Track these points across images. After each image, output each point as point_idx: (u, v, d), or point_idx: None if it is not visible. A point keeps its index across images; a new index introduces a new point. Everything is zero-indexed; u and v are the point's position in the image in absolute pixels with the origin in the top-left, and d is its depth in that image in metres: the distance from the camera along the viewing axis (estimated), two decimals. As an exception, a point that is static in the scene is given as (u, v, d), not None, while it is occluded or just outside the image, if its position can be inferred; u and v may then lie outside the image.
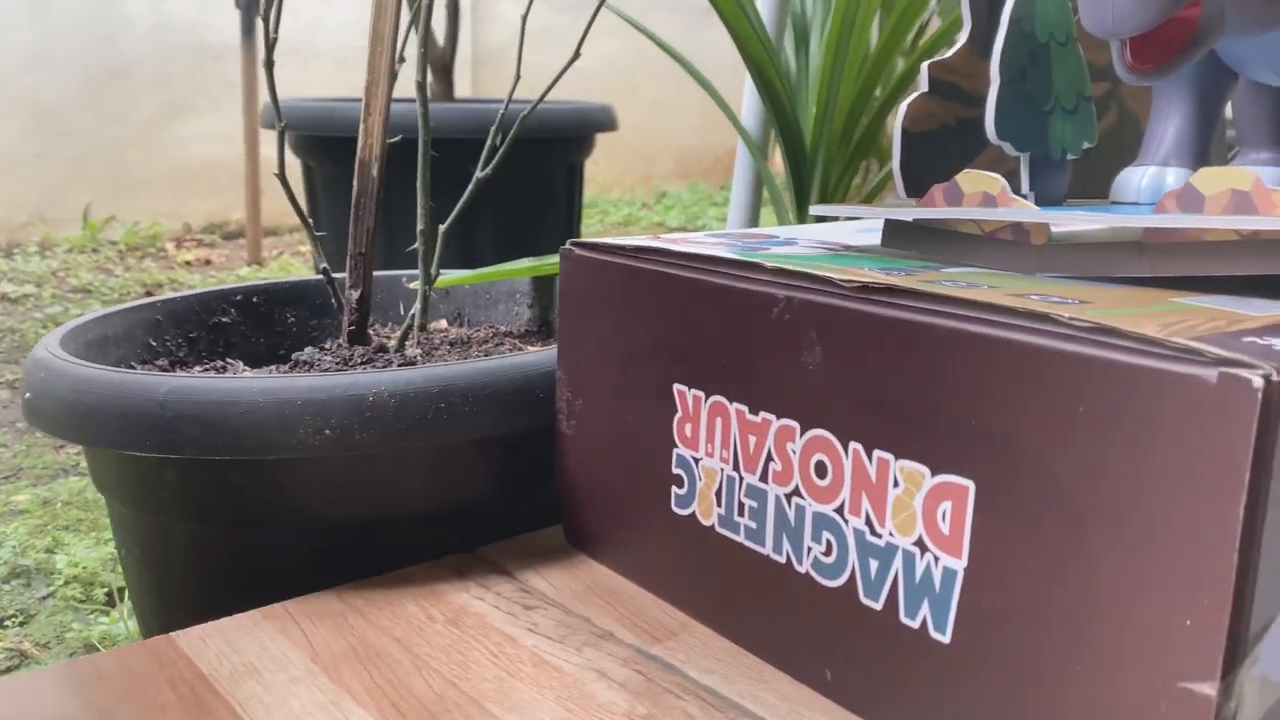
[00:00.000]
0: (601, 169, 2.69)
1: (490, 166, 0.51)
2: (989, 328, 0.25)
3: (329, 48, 2.08)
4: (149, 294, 1.68)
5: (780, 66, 0.62)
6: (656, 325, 0.35)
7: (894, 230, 0.35)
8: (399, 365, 0.45)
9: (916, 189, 0.36)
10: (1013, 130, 0.34)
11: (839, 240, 0.39)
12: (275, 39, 0.49)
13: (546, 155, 1.24)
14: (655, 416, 0.35)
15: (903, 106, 0.36)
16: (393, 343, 0.51)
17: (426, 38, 0.47)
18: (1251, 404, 0.20)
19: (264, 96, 1.84)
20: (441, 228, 0.52)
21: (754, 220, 0.77)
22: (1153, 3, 0.27)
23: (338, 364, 0.46)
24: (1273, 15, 0.28)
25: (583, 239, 0.38)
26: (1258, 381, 0.20)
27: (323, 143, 1.20)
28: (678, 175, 2.95)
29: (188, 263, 1.95)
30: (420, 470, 0.39)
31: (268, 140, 1.80)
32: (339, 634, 0.35)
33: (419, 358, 0.46)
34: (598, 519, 0.39)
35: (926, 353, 0.26)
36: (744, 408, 0.32)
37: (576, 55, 0.50)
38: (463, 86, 2.35)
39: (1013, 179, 0.36)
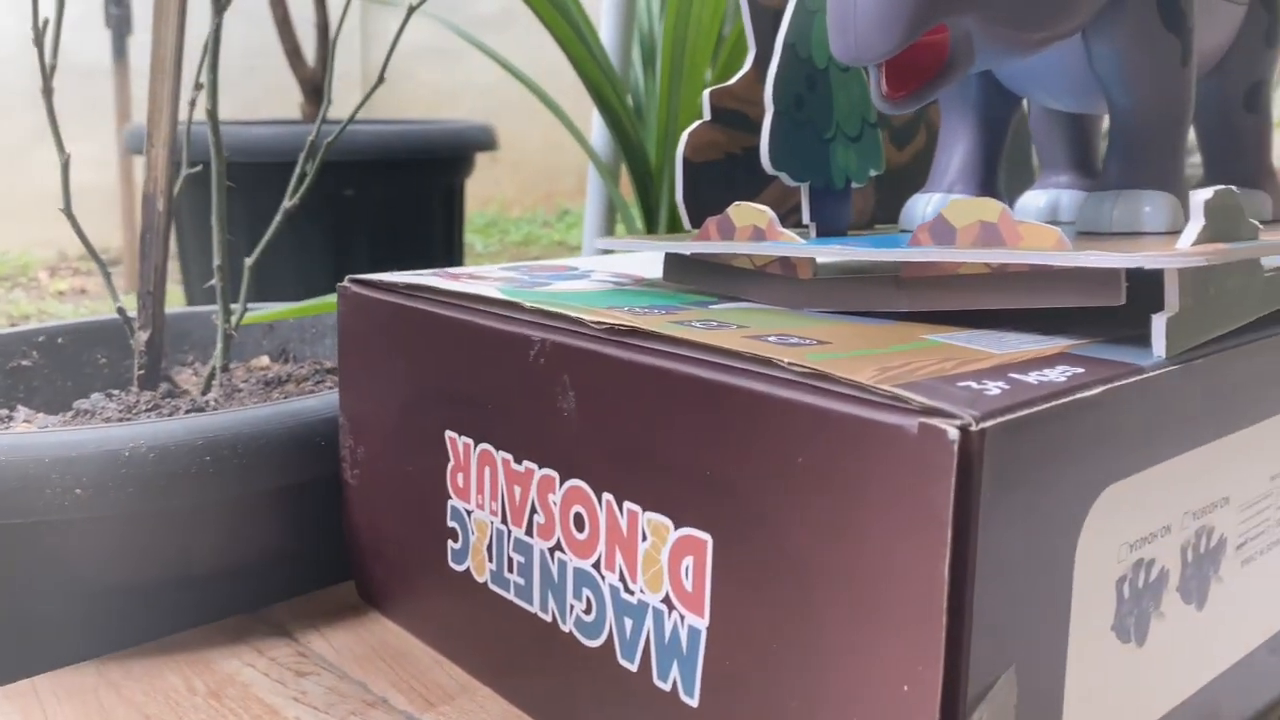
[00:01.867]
0: (503, 187, 2.66)
1: (298, 196, 0.48)
2: (716, 372, 0.24)
3: (209, 68, 2.01)
4: (13, 326, 1.60)
5: (619, 86, 0.60)
6: (428, 368, 0.33)
7: (674, 264, 0.34)
8: (186, 412, 0.42)
9: (701, 221, 0.35)
10: (790, 160, 0.33)
11: (634, 273, 0.38)
12: (54, 65, 0.46)
13: (424, 176, 1.21)
14: (430, 465, 0.33)
15: (684, 136, 0.34)
16: (198, 385, 0.48)
17: (216, 63, 0.45)
18: (949, 456, 0.19)
19: (136, 119, 1.77)
20: (248, 261, 0.49)
21: (608, 244, 0.76)
22: (893, 29, 0.26)
23: (122, 412, 0.42)
24: (1021, 40, 0.28)
25: (361, 275, 0.36)
26: (953, 433, 0.19)
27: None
28: (581, 192, 2.93)
29: (61, 292, 1.86)
30: (191, 528, 0.37)
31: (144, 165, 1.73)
32: (84, 713, 0.32)
33: (211, 403, 0.44)
34: (385, 574, 0.37)
35: (664, 399, 0.25)
36: (509, 457, 0.30)
37: (381, 80, 0.48)
38: (352, 105, 2.30)
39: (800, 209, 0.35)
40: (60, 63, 0.46)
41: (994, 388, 0.21)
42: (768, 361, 0.23)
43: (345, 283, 0.36)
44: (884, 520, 0.20)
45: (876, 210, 0.41)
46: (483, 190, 2.61)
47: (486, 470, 0.31)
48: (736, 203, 0.32)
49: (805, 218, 0.34)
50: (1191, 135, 0.38)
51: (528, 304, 0.29)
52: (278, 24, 1.25)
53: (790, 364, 0.22)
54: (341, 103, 0.59)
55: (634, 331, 0.26)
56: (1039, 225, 0.25)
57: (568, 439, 0.28)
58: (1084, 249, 0.25)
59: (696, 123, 0.35)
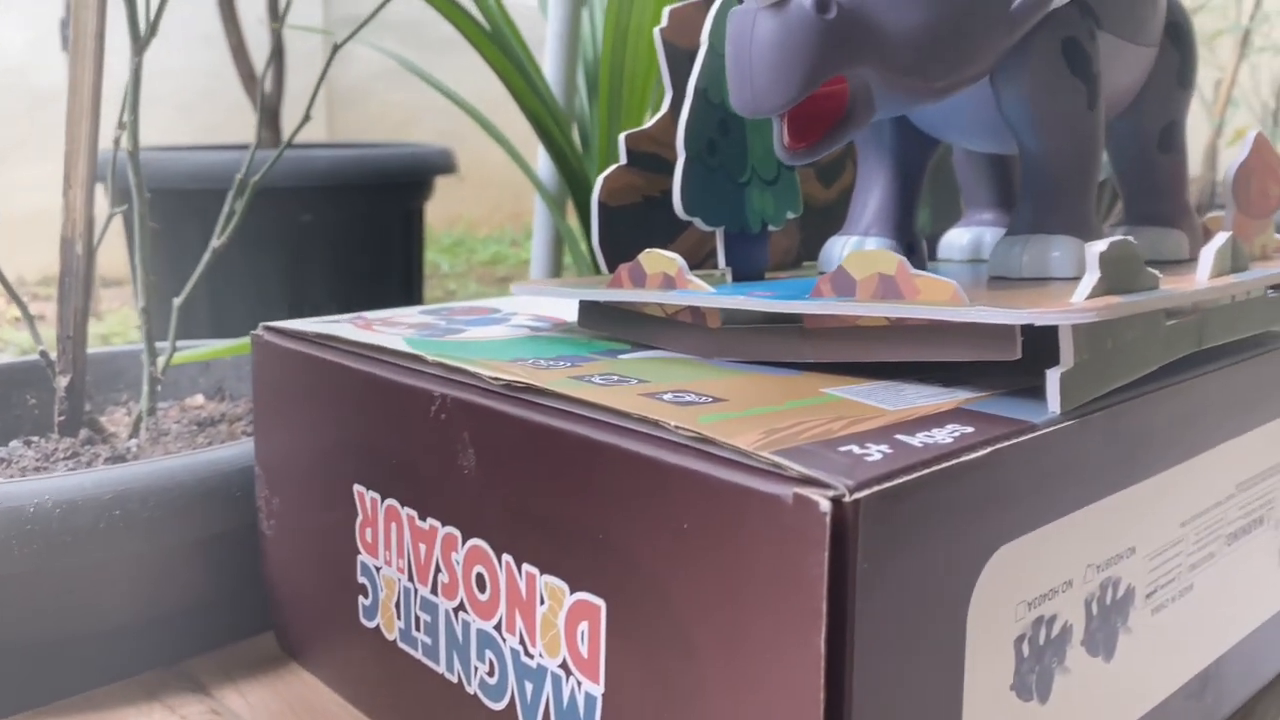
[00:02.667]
0: (469, 206, 2.65)
1: (226, 235, 0.48)
2: (606, 434, 0.23)
3: (170, 93, 1.99)
4: (-31, 355, 1.57)
5: (561, 118, 0.60)
6: (336, 420, 0.32)
7: (588, 311, 0.34)
8: (105, 460, 0.41)
9: (618, 265, 0.34)
10: (703, 205, 0.33)
11: (556, 317, 0.37)
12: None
13: (382, 201, 1.20)
14: (339, 519, 0.32)
15: (599, 180, 0.34)
16: (130, 427, 0.47)
17: (137, 104, 0.44)
18: (821, 527, 0.19)
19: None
20: (176, 301, 0.48)
21: (556, 277, 0.76)
22: (789, 82, 0.26)
23: (39, 460, 0.42)
24: (921, 89, 0.27)
25: (276, 323, 0.35)
26: (825, 504, 0.19)
27: (138, 194, 1.14)
28: (550, 211, 2.92)
29: (16, 319, 1.84)
30: (101, 583, 0.36)
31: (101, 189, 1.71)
32: (-18, 782, 0.31)
33: (134, 449, 0.43)
34: (303, 627, 0.36)
35: (558, 459, 0.24)
36: (414, 513, 0.29)
37: (307, 117, 0.47)
38: (318, 127, 2.29)
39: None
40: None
41: (876, 452, 0.21)
42: (656, 424, 0.22)
43: (259, 330, 0.36)
44: (764, 590, 0.20)
45: (802, 248, 0.41)
46: (449, 209, 2.60)
47: (393, 526, 0.30)
48: (647, 250, 0.31)
49: (720, 262, 0.34)
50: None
51: (430, 357, 0.29)
52: (232, 50, 1.25)
53: (677, 427, 0.22)
54: (304, 127, 0.57)
55: (531, 389, 0.26)
56: (935, 278, 0.25)
57: (469, 497, 0.27)
58: (980, 302, 0.25)
59: (613, 166, 0.35)
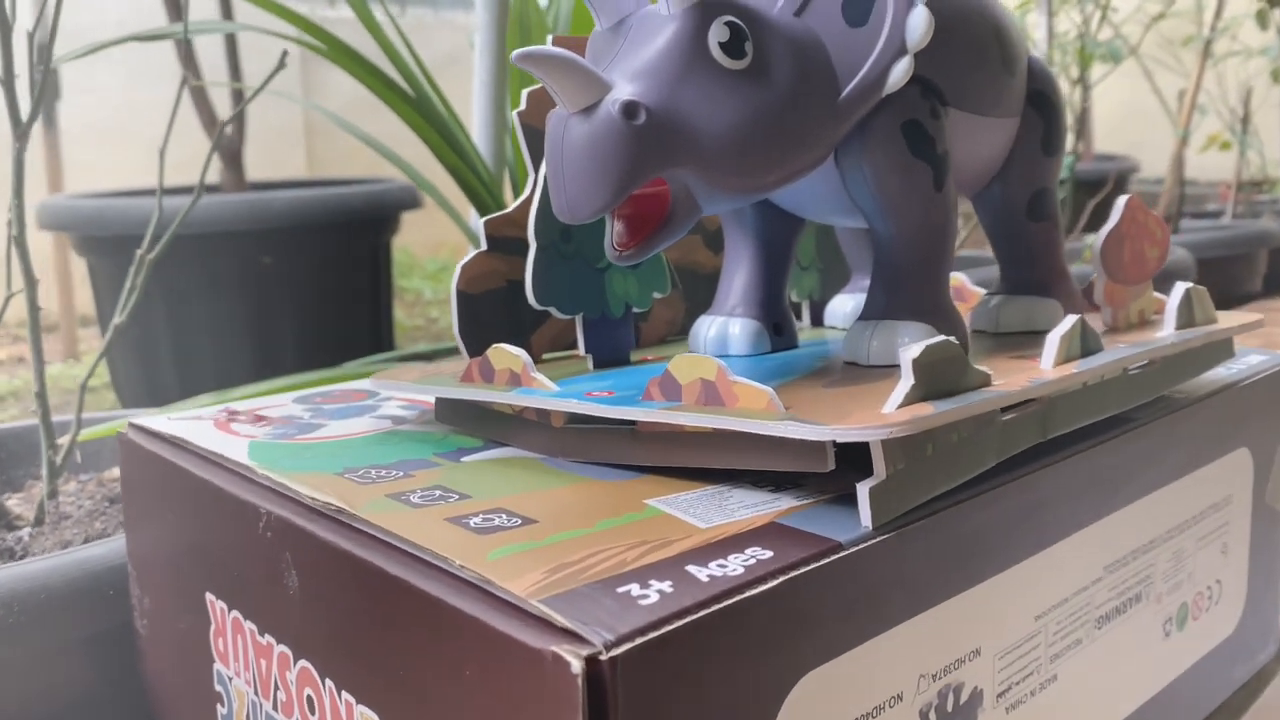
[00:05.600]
0: (454, 232, 2.65)
1: (126, 311, 0.47)
2: (400, 566, 0.22)
3: (141, 130, 2.00)
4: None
5: (486, 176, 0.60)
6: (190, 525, 0.32)
7: (444, 405, 0.33)
8: (-10, 554, 0.41)
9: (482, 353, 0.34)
10: (558, 294, 0.32)
11: (427, 402, 0.37)
12: None
13: (345, 241, 1.20)
14: (196, 625, 0.32)
15: (458, 268, 0.34)
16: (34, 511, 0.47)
17: (22, 188, 0.44)
18: (574, 689, 0.18)
19: (68, 185, 1.75)
20: (81, 381, 0.48)
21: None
22: (601, 190, 0.25)
23: (-74, 555, 0.41)
24: (745, 186, 0.27)
25: (141, 421, 0.35)
26: (576, 665, 0.18)
27: (98, 241, 1.13)
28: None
29: (-2, 361, 1.84)
30: (-29, 690, 0.35)
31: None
32: None
33: (24, 540, 0.42)
34: (177, 727, 0.36)
35: (365, 588, 0.24)
36: (254, 628, 0.29)
37: (200, 193, 0.47)
38: (296, 160, 2.29)
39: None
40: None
41: (655, 592, 0.20)
42: (447, 560, 0.22)
43: (125, 429, 0.35)
44: (535, 744, 0.19)
45: (688, 318, 0.40)
46: (434, 236, 2.59)
47: (239, 638, 0.30)
48: (495, 345, 0.31)
49: (580, 349, 0.33)
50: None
51: (260, 469, 0.28)
52: (193, 94, 1.25)
53: (461, 565, 0.21)
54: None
55: (343, 511, 0.25)
56: (752, 386, 0.25)
57: (295, 618, 0.27)
58: (802, 407, 0.25)
59: (472, 253, 0.34)
